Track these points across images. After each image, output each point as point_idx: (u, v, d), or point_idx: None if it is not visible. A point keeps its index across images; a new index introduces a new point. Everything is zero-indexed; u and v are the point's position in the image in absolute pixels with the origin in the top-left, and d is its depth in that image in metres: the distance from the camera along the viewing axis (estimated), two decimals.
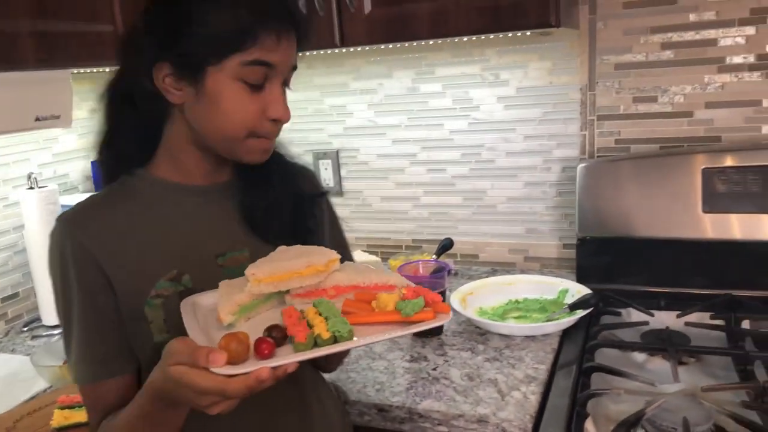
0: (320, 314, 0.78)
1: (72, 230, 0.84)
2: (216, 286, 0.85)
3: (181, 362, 0.68)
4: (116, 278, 0.84)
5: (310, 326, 0.75)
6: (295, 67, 0.87)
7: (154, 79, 0.83)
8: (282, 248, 0.89)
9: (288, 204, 0.96)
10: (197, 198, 0.91)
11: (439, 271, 1.36)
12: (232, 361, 0.67)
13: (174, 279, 0.86)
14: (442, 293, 1.34)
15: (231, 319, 0.80)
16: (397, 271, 1.41)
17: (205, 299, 0.85)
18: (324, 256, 0.87)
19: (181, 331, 0.80)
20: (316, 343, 0.73)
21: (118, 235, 0.85)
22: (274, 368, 0.67)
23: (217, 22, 0.79)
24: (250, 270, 0.82)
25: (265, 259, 0.85)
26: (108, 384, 0.85)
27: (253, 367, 0.67)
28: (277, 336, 0.73)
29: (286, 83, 0.87)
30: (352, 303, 0.84)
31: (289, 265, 0.85)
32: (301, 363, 0.71)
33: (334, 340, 0.74)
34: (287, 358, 0.70)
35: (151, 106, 0.86)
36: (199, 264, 0.88)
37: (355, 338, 0.75)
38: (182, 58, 0.80)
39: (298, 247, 0.90)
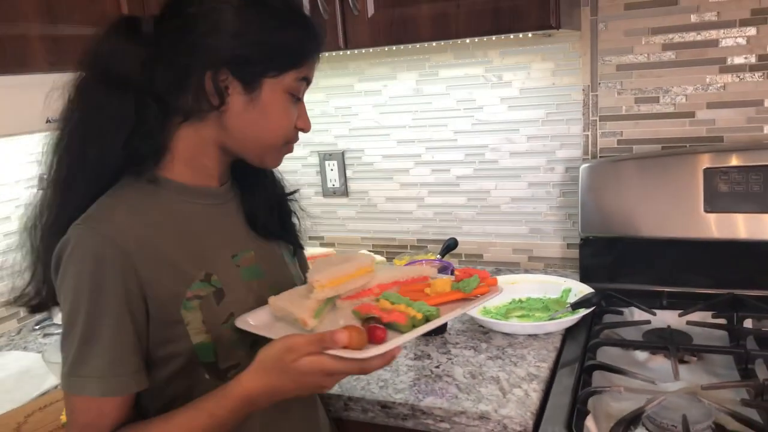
0: (394, 303, 0.89)
1: (108, 233, 0.80)
2: (238, 286, 0.90)
3: (309, 353, 0.74)
4: (153, 283, 0.82)
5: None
6: None
7: (206, 82, 0.83)
8: (322, 259, 0.98)
9: (278, 204, 1.03)
10: (211, 200, 0.92)
11: (443, 271, 1.38)
12: (356, 347, 0.76)
13: (205, 280, 0.86)
14: None
15: (314, 323, 0.87)
16: None
17: (256, 317, 0.90)
18: (366, 258, 0.98)
19: (219, 331, 0.85)
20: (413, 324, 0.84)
21: (151, 239, 0.83)
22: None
23: (284, 39, 0.85)
24: (314, 277, 0.90)
25: (317, 268, 0.93)
26: (122, 398, 0.81)
27: (391, 346, 0.78)
28: (380, 324, 0.83)
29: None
30: (408, 293, 0.93)
31: (342, 270, 0.93)
32: None
33: (426, 320, 0.85)
34: (403, 338, 0.81)
35: (179, 105, 0.84)
36: (221, 264, 0.90)
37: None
38: (242, 67, 0.84)
39: (336, 256, 1.04)
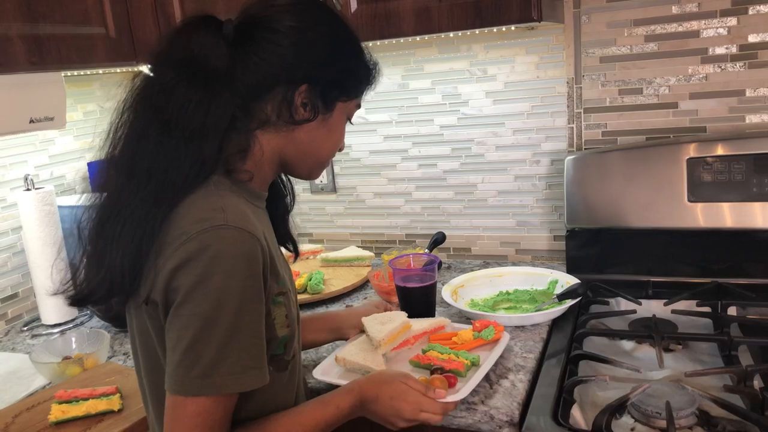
0: (442, 353, 1.17)
1: (257, 235, 0.81)
2: (291, 280, 0.98)
3: (416, 388, 0.96)
4: (265, 279, 0.84)
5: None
6: None
7: (294, 96, 0.87)
8: (368, 319, 1.23)
9: (288, 212, 1.09)
10: (262, 204, 0.96)
11: (430, 264, 1.38)
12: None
13: (283, 280, 0.90)
14: (433, 285, 1.36)
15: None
16: (389, 264, 1.44)
17: (329, 372, 1.17)
18: (402, 316, 1.25)
19: (294, 326, 0.93)
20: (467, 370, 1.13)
21: (263, 235, 0.84)
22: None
23: (360, 68, 0.95)
24: (378, 336, 1.17)
25: (373, 329, 1.19)
26: (246, 394, 0.83)
27: (468, 390, 1.05)
28: (447, 372, 1.10)
29: None
30: (438, 341, 1.25)
31: (392, 328, 1.20)
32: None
33: (472, 365, 1.14)
34: (469, 385, 1.06)
35: (257, 112, 0.87)
36: (280, 261, 0.94)
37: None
38: (327, 88, 0.90)
39: (375, 316, 1.25)
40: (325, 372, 1.16)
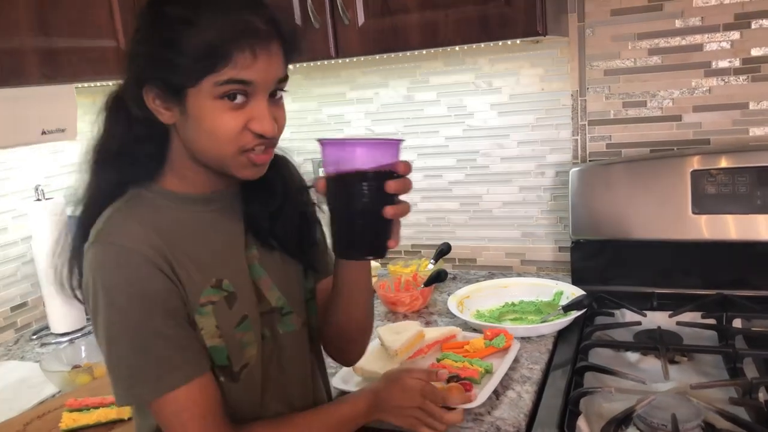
0: (456, 362, 1.22)
1: (125, 246, 0.82)
2: (248, 285, 0.92)
3: (419, 378, 0.97)
4: (176, 281, 0.85)
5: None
6: (284, 79, 0.87)
7: (145, 101, 0.84)
8: (383, 329, 1.29)
9: (293, 214, 0.98)
10: (210, 206, 0.92)
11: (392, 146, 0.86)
12: (460, 401, 1.04)
13: (216, 286, 0.88)
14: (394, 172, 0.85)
15: None
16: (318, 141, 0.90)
17: (347, 381, 1.21)
18: (416, 326, 1.31)
19: (232, 335, 0.89)
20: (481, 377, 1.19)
21: (164, 247, 0.85)
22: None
23: (189, 46, 0.79)
24: (394, 346, 1.23)
25: (389, 339, 1.25)
26: (200, 381, 0.84)
27: (485, 396, 1.11)
28: (463, 379, 1.15)
29: (274, 95, 0.87)
30: (451, 349, 1.29)
31: (406, 337, 1.25)
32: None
33: (486, 372, 1.19)
34: (485, 391, 1.12)
35: (149, 123, 0.86)
36: (230, 267, 0.91)
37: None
38: (165, 81, 0.82)
39: (390, 326, 1.31)
40: (345, 380, 1.21)
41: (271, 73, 0.83)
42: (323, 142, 0.83)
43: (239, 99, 0.82)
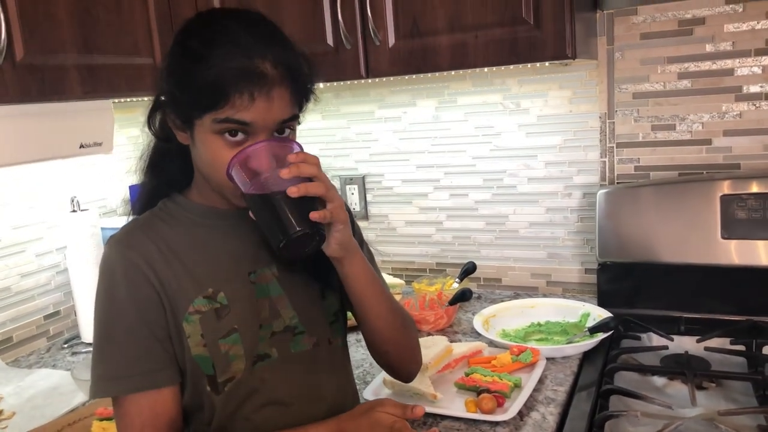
0: (485, 376, 1.23)
1: (122, 250, 0.91)
2: (249, 302, 0.94)
3: (391, 412, 0.93)
4: (162, 295, 0.90)
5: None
6: (291, 119, 0.88)
7: (167, 121, 0.92)
8: None
9: None
10: (227, 221, 0.96)
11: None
12: (490, 411, 1.13)
13: (210, 296, 0.91)
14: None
15: (439, 395, 1.20)
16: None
17: (374, 394, 1.23)
18: (444, 341, 1.34)
19: (216, 346, 0.90)
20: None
21: (161, 255, 0.91)
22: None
23: (196, 81, 0.84)
24: (425, 360, 1.18)
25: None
26: (152, 395, 0.89)
27: (517, 409, 1.13)
28: (492, 393, 1.17)
29: (282, 131, 0.88)
30: (478, 364, 1.30)
31: (435, 352, 1.28)
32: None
33: (515, 386, 1.21)
34: (516, 404, 1.14)
35: (176, 140, 0.93)
36: (232, 282, 0.94)
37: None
38: (178, 109, 0.89)
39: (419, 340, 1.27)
40: (376, 393, 1.23)
41: (271, 115, 0.85)
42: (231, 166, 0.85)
43: (240, 136, 0.85)
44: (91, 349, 1.61)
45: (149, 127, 0.97)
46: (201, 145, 0.88)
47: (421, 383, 1.21)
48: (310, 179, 0.85)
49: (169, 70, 0.89)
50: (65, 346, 1.70)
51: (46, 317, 1.73)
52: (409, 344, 1.07)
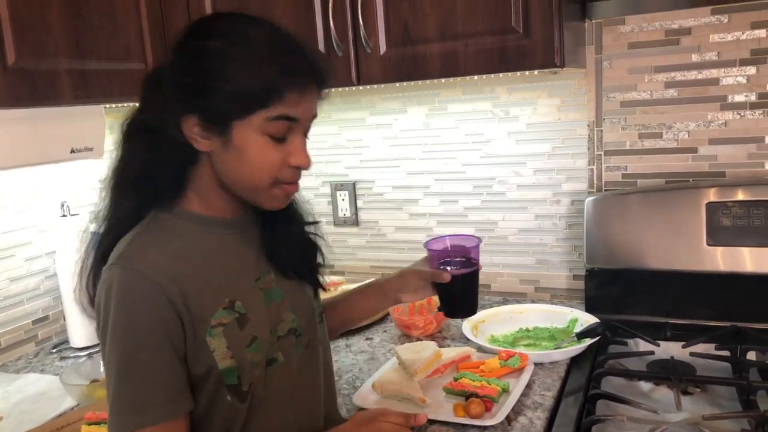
0: (473, 381, 1.23)
1: (144, 272, 0.85)
2: (261, 309, 0.94)
3: (394, 422, 0.92)
4: (185, 312, 0.86)
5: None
6: (315, 116, 0.92)
7: (182, 128, 0.87)
8: (401, 348, 1.33)
9: (296, 241, 1.03)
10: (227, 230, 0.96)
11: (473, 245, 1.19)
12: (478, 415, 1.13)
13: (228, 307, 0.90)
14: (477, 271, 1.18)
15: (429, 400, 1.20)
16: (425, 245, 1.20)
17: (366, 399, 1.23)
18: (433, 346, 1.34)
19: (242, 355, 0.90)
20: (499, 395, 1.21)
21: (177, 271, 0.87)
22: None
23: (242, 80, 0.83)
24: (415, 365, 1.25)
25: (408, 358, 1.28)
26: (173, 425, 0.85)
27: (505, 413, 1.14)
28: (481, 397, 1.17)
29: (306, 132, 0.92)
30: (467, 369, 1.31)
31: (424, 357, 1.29)
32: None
33: (503, 391, 1.21)
34: (504, 409, 1.15)
35: (177, 149, 0.89)
36: (243, 290, 0.93)
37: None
38: (209, 112, 0.85)
39: (408, 345, 1.34)
40: (364, 398, 1.24)
41: (311, 110, 0.90)
42: (431, 249, 1.16)
43: (282, 135, 0.87)
44: (79, 354, 1.63)
45: (137, 142, 0.91)
46: (243, 147, 0.86)
47: (409, 387, 1.22)
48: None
49: (195, 74, 0.85)
50: (54, 351, 1.69)
51: (35, 322, 1.73)
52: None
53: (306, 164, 0.90)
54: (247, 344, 0.91)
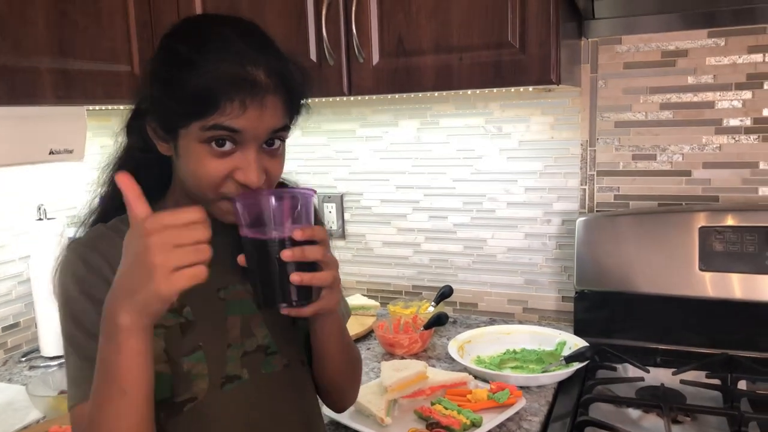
0: (447, 409, 1.18)
1: (84, 251, 0.86)
2: (217, 319, 0.89)
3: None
4: None
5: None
6: (282, 128, 0.85)
7: (145, 128, 0.87)
8: (387, 364, 1.29)
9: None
10: None
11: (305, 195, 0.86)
12: None
13: (175, 310, 0.86)
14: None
15: (389, 420, 1.18)
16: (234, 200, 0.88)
17: None
18: (420, 366, 1.29)
19: (179, 363, 0.84)
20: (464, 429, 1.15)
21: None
22: None
23: (184, 88, 0.80)
24: (387, 382, 1.22)
25: (386, 374, 1.24)
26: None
27: None
28: (441, 428, 1.14)
29: (271, 143, 0.85)
30: (453, 396, 1.25)
31: (402, 376, 1.24)
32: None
33: (472, 425, 1.15)
34: None
35: (154, 148, 0.88)
36: (200, 296, 0.88)
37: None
38: (161, 117, 0.85)
39: (394, 362, 1.31)
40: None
41: (263, 123, 0.82)
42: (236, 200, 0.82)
43: (228, 146, 0.81)
44: (50, 363, 1.57)
45: (128, 136, 0.92)
46: (185, 156, 0.83)
47: (374, 404, 1.19)
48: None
49: (154, 76, 0.84)
50: (23, 359, 1.63)
51: (5, 329, 1.66)
52: (351, 387, 1.05)
53: (253, 181, 0.82)
54: (187, 352, 0.86)
